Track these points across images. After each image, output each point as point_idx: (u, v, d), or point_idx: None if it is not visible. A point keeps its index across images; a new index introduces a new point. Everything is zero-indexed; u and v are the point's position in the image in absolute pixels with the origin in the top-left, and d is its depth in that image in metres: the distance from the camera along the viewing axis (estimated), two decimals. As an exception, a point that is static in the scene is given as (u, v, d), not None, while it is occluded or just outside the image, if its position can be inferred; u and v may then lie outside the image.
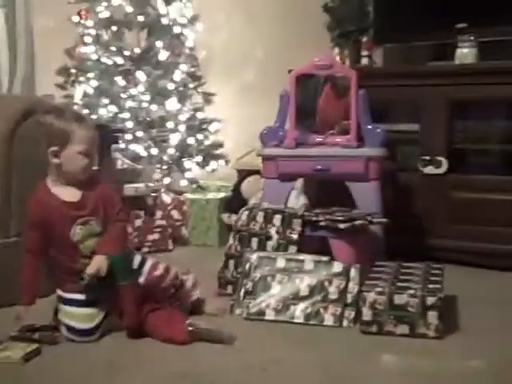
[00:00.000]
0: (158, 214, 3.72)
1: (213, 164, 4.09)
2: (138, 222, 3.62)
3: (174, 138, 3.96)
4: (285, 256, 2.55)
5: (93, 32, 4.02)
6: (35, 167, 2.59)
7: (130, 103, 3.92)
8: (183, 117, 4.00)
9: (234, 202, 3.60)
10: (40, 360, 2.07)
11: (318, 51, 3.22)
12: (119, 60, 3.95)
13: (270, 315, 2.39)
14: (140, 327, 2.21)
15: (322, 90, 3.12)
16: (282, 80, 3.19)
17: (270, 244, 2.67)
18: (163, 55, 3.97)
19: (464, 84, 3.07)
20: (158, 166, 3.94)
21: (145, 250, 3.49)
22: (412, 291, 2.21)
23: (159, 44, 3.98)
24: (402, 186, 3.26)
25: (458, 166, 3.17)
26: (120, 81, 3.94)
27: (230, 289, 2.69)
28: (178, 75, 4.00)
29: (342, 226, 2.60)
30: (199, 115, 4.11)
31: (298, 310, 2.38)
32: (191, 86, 4.12)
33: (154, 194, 3.80)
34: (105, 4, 3.99)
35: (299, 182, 3.16)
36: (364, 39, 3.52)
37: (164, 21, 3.99)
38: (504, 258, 3.01)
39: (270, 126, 3.10)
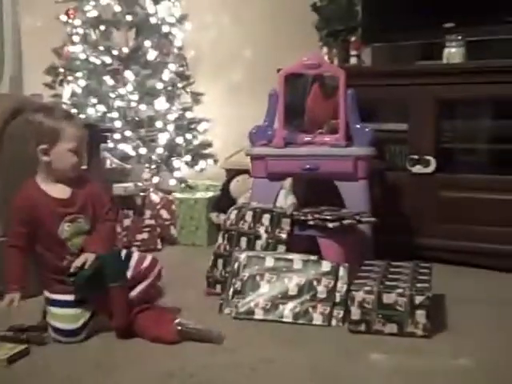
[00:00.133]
0: (147, 213, 3.72)
1: (201, 163, 4.08)
2: (127, 222, 3.61)
3: (163, 138, 3.95)
4: (274, 255, 2.55)
5: (81, 31, 4.00)
6: (23, 166, 2.58)
7: (118, 103, 3.91)
8: (172, 116, 4.00)
9: (223, 201, 3.60)
10: (28, 360, 2.06)
11: (306, 50, 3.22)
12: (107, 59, 3.93)
13: (258, 314, 2.39)
14: (129, 327, 2.21)
15: (311, 90, 3.12)
16: (270, 79, 3.19)
17: (259, 243, 2.67)
18: (152, 55, 3.96)
19: (452, 83, 3.08)
20: (147, 165, 3.93)
21: (134, 249, 3.48)
22: (400, 290, 2.22)
23: (147, 43, 3.97)
24: (390, 185, 3.27)
25: (446, 166, 3.17)
26: (108, 80, 3.92)
27: (218, 288, 2.69)
28: (166, 75, 3.99)
29: (330, 225, 2.60)
30: (188, 115, 4.10)
31: (287, 310, 2.38)
32: (180, 85, 4.11)
33: (143, 194, 3.79)
34: (93, 3, 3.98)
35: (288, 182, 3.17)
36: (352, 39, 3.52)
37: (152, 20, 3.99)
38: (492, 257, 3.03)
39: (259, 126, 3.10)
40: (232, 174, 3.74)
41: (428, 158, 3.16)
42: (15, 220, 2.25)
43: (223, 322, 2.38)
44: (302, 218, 2.69)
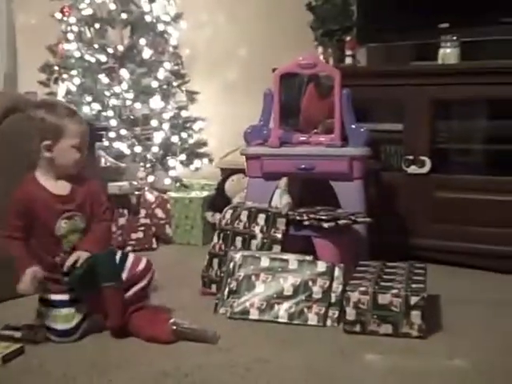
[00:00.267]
0: (142, 212, 3.71)
1: (196, 162, 4.08)
2: (122, 221, 3.61)
3: (158, 137, 3.94)
4: (269, 255, 2.55)
5: (76, 29, 3.99)
6: (17, 164, 2.58)
7: (113, 101, 3.90)
8: (167, 115, 3.99)
9: (218, 200, 3.59)
10: (23, 359, 2.06)
11: (301, 50, 3.22)
12: (102, 57, 3.93)
13: (254, 314, 2.39)
14: (124, 327, 2.21)
15: (306, 89, 3.12)
16: (265, 79, 3.18)
17: (254, 243, 2.67)
18: (147, 53, 3.95)
19: (447, 84, 3.08)
20: (142, 164, 3.93)
21: (128, 248, 3.47)
22: (395, 291, 2.22)
23: (143, 42, 3.96)
24: (385, 185, 3.27)
25: (441, 166, 3.18)
26: (103, 78, 3.92)
27: (214, 288, 2.69)
28: (161, 73, 3.99)
29: (325, 225, 2.60)
30: (183, 113, 4.09)
31: (282, 310, 2.38)
32: (175, 84, 4.10)
33: (138, 193, 3.79)
34: (88, 1, 3.97)
35: (283, 181, 3.16)
36: (347, 38, 3.52)
37: (147, 18, 3.97)
38: (487, 257, 3.03)
39: (254, 125, 3.09)
40: (227, 173, 3.73)
41: (423, 158, 3.16)
42: (12, 213, 2.24)
43: (218, 321, 2.38)
44: (298, 217, 2.69)
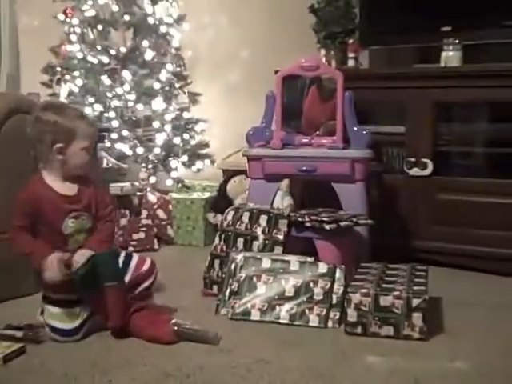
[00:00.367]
0: (144, 213, 3.71)
1: (198, 164, 4.08)
2: (124, 222, 3.61)
3: (160, 138, 3.94)
4: (270, 256, 2.55)
5: (78, 30, 3.99)
6: (19, 165, 2.59)
7: (115, 102, 3.90)
8: (169, 116, 3.99)
9: (220, 201, 3.59)
10: (24, 359, 2.06)
11: (304, 52, 3.22)
12: (105, 59, 3.92)
13: (255, 315, 2.40)
14: (125, 328, 2.21)
15: (308, 92, 3.12)
16: (268, 81, 3.19)
17: (256, 244, 2.67)
18: (149, 55, 3.96)
19: (449, 87, 3.08)
20: (144, 165, 3.93)
21: (130, 249, 3.48)
22: (397, 293, 2.22)
23: (145, 43, 3.96)
24: (387, 187, 3.27)
25: (443, 168, 3.18)
26: (106, 80, 3.92)
27: (215, 289, 2.69)
28: (163, 75, 3.99)
29: (327, 227, 2.61)
30: (185, 115, 4.10)
31: (284, 311, 2.38)
32: (177, 85, 4.10)
33: (140, 194, 3.79)
34: (90, 2, 3.96)
35: (285, 183, 3.17)
36: (350, 41, 3.52)
37: (150, 20, 3.98)
38: (489, 260, 3.03)
39: (256, 127, 3.10)
40: (229, 174, 3.73)
41: (425, 160, 3.16)
42: (19, 213, 2.25)
43: (220, 322, 2.38)
44: (299, 219, 2.69)
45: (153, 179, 3.93)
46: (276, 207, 2.94)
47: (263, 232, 2.68)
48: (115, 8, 3.94)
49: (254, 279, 2.47)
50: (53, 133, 2.23)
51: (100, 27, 4.00)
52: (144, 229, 3.63)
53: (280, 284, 2.44)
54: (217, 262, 2.73)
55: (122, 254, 2.34)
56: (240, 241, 2.71)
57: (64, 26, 4.04)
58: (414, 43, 3.40)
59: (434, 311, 2.45)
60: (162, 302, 2.56)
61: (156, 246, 3.65)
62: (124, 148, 3.88)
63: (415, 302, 2.18)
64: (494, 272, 3.02)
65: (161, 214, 3.77)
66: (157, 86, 3.94)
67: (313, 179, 3.03)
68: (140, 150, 3.89)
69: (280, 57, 3.48)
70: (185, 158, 4.02)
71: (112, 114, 3.89)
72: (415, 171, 3.19)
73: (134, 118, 3.96)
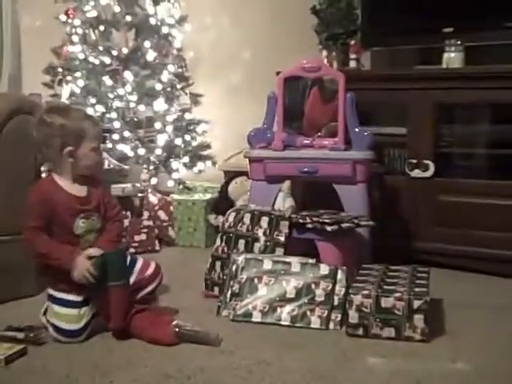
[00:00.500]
0: (145, 214, 3.72)
1: (200, 165, 4.08)
2: (125, 223, 3.59)
3: (162, 139, 3.95)
4: (272, 258, 2.55)
5: (80, 31, 4.00)
6: (20, 165, 2.59)
7: (117, 103, 3.91)
8: (171, 117, 3.99)
9: (221, 203, 3.59)
10: (26, 360, 2.06)
11: (305, 54, 3.23)
12: (107, 60, 3.93)
13: (256, 317, 2.39)
14: (126, 329, 2.21)
15: (310, 93, 3.12)
16: (269, 82, 3.19)
17: (257, 246, 2.67)
18: (151, 55, 3.96)
19: (451, 88, 3.08)
20: (145, 166, 3.93)
21: (131, 250, 3.48)
22: (398, 294, 2.22)
23: (147, 44, 3.97)
24: (389, 189, 3.27)
25: (445, 170, 3.18)
26: (107, 80, 3.92)
27: (216, 290, 2.69)
28: (165, 76, 3.99)
29: (329, 228, 2.60)
30: (187, 116, 4.10)
31: (285, 312, 2.38)
32: (179, 86, 4.11)
33: (141, 195, 3.79)
34: (92, 3, 3.97)
35: (286, 184, 3.16)
36: (352, 42, 3.52)
37: (152, 21, 3.98)
38: (490, 261, 3.03)
39: (258, 128, 3.09)
40: (230, 175, 3.73)
41: (427, 162, 3.16)
42: (33, 214, 2.24)
43: (221, 324, 2.38)
44: (301, 221, 2.69)
45: (154, 180, 3.93)
46: (277, 209, 2.94)
47: (264, 233, 2.68)
48: (117, 9, 3.95)
49: (256, 281, 2.47)
50: (61, 136, 2.23)
51: (102, 28, 4.01)
52: (145, 230, 3.63)
53: (281, 285, 2.44)
54: (218, 264, 2.73)
55: (128, 257, 2.34)
56: (241, 242, 2.70)
57: (66, 27, 4.05)
58: (416, 44, 3.40)
59: (436, 313, 2.45)
60: (163, 303, 2.57)
61: (157, 248, 3.65)
62: (125, 149, 3.88)
63: (416, 303, 2.18)
64: (495, 273, 3.02)
65: (162, 215, 3.77)
66: (158, 86, 3.95)
67: (314, 181, 3.02)
68: (141, 151, 3.90)
69: (282, 58, 3.48)
70: (186, 159, 4.02)
71: (114, 115, 3.90)
72: (417, 173, 3.19)
73: (135, 119, 3.96)
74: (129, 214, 3.65)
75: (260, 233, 2.69)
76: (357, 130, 2.97)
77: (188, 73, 4.19)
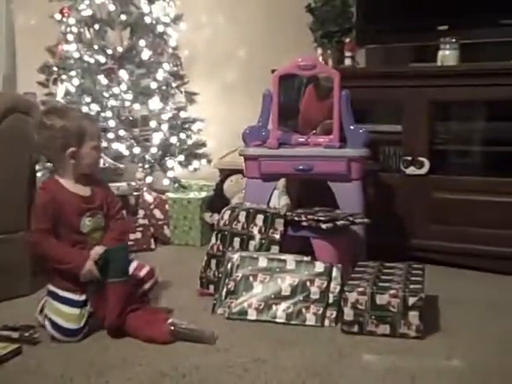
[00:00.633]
0: (140, 213, 3.72)
1: (195, 163, 4.07)
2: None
3: (157, 137, 3.94)
4: (267, 256, 2.55)
5: (75, 30, 3.99)
6: (15, 164, 2.58)
7: (112, 102, 3.90)
8: (166, 116, 3.99)
9: (216, 201, 3.60)
10: (21, 360, 2.06)
11: (300, 51, 3.23)
12: (102, 58, 3.92)
13: (251, 315, 2.39)
14: (121, 327, 2.21)
15: (305, 91, 3.12)
16: (264, 80, 3.19)
17: (253, 244, 2.67)
18: (146, 54, 3.95)
19: (446, 85, 3.09)
20: (141, 165, 3.92)
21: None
22: (393, 291, 2.22)
23: (142, 43, 3.96)
24: (384, 186, 3.27)
25: (440, 167, 3.18)
26: (102, 79, 3.91)
27: (211, 288, 2.69)
28: (160, 74, 3.98)
29: (324, 226, 2.60)
30: (182, 114, 4.09)
31: (280, 310, 2.38)
32: (174, 85, 4.10)
33: (136, 193, 3.79)
34: (87, 2, 3.96)
35: (281, 182, 3.16)
36: (347, 40, 3.52)
37: (147, 20, 3.97)
38: (485, 258, 3.03)
39: (253, 126, 3.09)
40: (226, 174, 3.74)
41: (422, 159, 3.16)
42: (40, 216, 2.25)
43: (216, 322, 2.38)
44: (296, 218, 2.69)
45: (149, 179, 3.92)
46: (272, 206, 2.94)
47: (260, 231, 2.68)
48: (112, 7, 3.94)
49: (251, 278, 2.47)
50: (63, 138, 2.24)
51: (97, 27, 4.00)
52: (141, 229, 3.63)
53: (276, 283, 2.44)
54: (213, 262, 2.73)
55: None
56: (236, 240, 2.70)
57: (61, 26, 4.03)
58: (411, 42, 3.41)
59: (431, 309, 2.45)
60: (158, 301, 2.56)
61: (153, 246, 3.65)
62: (121, 148, 3.88)
63: (411, 300, 2.19)
64: (490, 270, 3.03)
65: (157, 213, 3.77)
66: (153, 85, 3.94)
67: (309, 178, 3.02)
68: (137, 150, 3.89)
69: (277, 56, 3.48)
70: (181, 157, 4.02)
71: (109, 114, 3.88)
72: (412, 170, 3.19)
73: (130, 118, 3.96)
74: (124, 212, 3.64)
75: (255, 231, 2.69)
76: (352, 127, 2.97)
77: (183, 71, 4.18)
